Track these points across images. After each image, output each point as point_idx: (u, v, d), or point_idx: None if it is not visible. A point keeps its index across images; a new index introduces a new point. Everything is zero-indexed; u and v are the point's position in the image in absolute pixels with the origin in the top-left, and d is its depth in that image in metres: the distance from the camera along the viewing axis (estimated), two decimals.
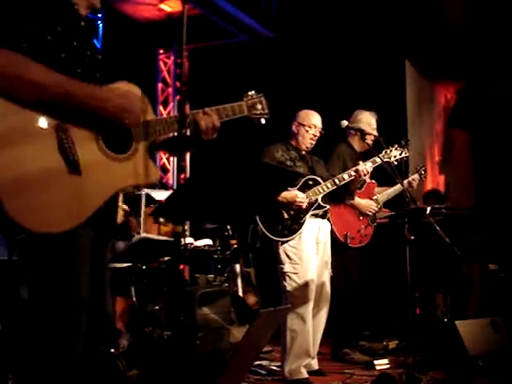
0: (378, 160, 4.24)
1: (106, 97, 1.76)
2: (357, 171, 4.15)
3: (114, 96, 1.77)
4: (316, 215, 4.07)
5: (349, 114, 4.70)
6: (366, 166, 4.21)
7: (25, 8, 1.68)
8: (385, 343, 4.84)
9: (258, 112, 2.08)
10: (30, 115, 1.64)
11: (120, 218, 3.95)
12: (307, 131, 4.12)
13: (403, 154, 4.44)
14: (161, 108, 7.79)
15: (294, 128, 4.18)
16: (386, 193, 4.83)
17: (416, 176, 4.85)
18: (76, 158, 1.66)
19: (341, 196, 4.33)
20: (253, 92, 2.11)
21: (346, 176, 4.15)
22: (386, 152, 4.38)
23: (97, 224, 1.74)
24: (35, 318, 1.64)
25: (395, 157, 4.39)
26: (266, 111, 2.10)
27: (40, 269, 1.66)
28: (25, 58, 1.63)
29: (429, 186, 6.56)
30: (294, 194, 3.93)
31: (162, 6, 6.83)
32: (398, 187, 4.68)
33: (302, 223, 3.97)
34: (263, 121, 2.12)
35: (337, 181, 4.11)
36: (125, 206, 3.95)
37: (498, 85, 6.81)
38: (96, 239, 1.77)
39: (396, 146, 4.44)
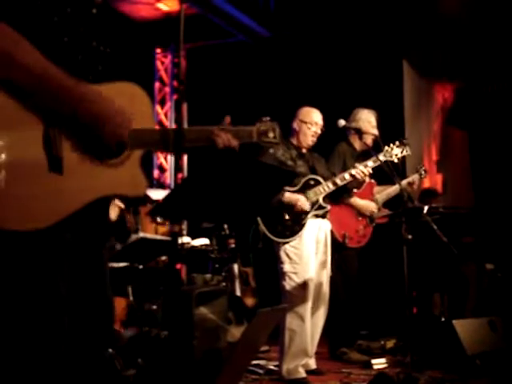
0: (380, 158, 4.19)
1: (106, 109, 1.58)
2: (354, 176, 4.10)
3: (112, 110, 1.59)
4: (317, 215, 4.06)
5: (346, 113, 4.68)
6: (365, 167, 4.17)
7: None
8: (382, 342, 4.84)
9: (267, 140, 1.96)
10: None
11: (114, 215, 3.92)
12: (309, 128, 4.08)
13: (405, 152, 4.38)
14: (158, 107, 7.78)
15: (295, 125, 4.14)
16: (386, 193, 4.80)
17: (416, 176, 4.82)
18: (60, 155, 1.54)
19: (340, 195, 4.31)
20: (268, 118, 1.99)
21: (346, 176, 4.11)
22: (387, 150, 4.31)
23: (77, 228, 1.63)
24: (13, 316, 1.57)
25: (397, 155, 4.33)
26: (277, 141, 1.99)
27: (8, 266, 1.55)
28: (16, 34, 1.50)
29: (426, 184, 6.56)
30: (296, 198, 3.92)
31: (160, 5, 6.81)
32: (397, 187, 4.64)
33: (303, 224, 3.95)
34: (271, 150, 2.03)
35: (338, 181, 4.08)
36: (120, 204, 3.91)
37: (495, 84, 6.81)
38: (79, 244, 1.66)
39: (397, 143, 4.37)
